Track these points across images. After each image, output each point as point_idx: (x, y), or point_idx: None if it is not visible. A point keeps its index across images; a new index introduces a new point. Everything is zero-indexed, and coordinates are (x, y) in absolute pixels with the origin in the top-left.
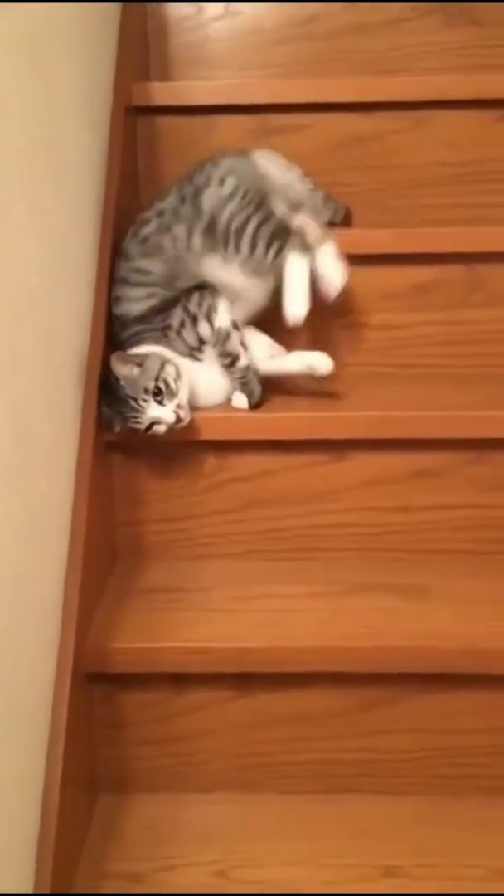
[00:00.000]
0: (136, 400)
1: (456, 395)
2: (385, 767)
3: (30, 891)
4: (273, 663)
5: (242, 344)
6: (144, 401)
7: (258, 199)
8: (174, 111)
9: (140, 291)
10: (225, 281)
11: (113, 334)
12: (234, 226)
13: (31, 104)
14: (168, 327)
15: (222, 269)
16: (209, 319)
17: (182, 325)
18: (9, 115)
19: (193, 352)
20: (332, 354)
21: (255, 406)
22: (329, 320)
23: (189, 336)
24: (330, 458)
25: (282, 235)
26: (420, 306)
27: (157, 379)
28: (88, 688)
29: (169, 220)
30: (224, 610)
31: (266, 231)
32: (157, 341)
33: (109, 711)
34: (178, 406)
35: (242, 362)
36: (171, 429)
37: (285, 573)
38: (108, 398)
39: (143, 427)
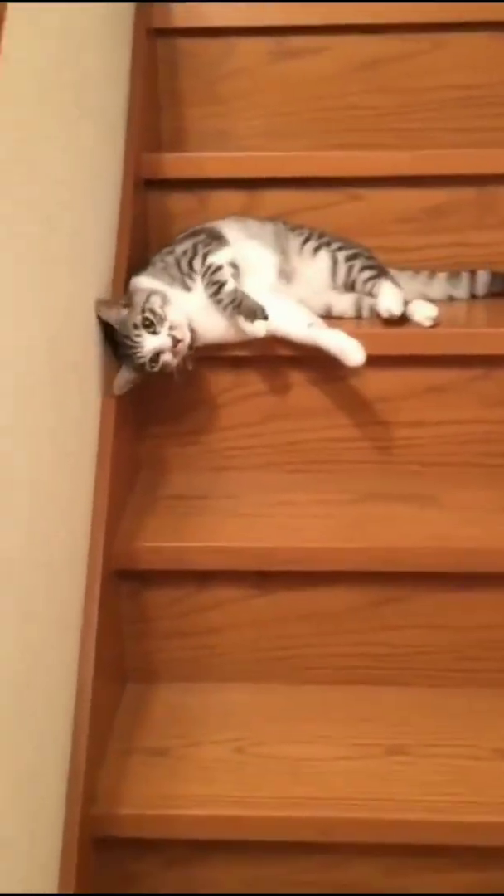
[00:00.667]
0: (130, 338)
1: (466, 313)
2: (396, 660)
3: (66, 762)
4: (292, 562)
5: (234, 277)
6: (138, 336)
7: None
8: (193, 33)
9: None
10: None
11: None
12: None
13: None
14: (171, 251)
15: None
16: (205, 256)
17: (184, 252)
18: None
19: (185, 278)
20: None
21: (265, 317)
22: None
23: (183, 263)
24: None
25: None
26: (434, 229)
27: (143, 311)
28: (117, 585)
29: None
30: (245, 514)
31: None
32: (155, 272)
33: (136, 607)
34: (171, 327)
35: (229, 286)
36: (178, 354)
37: (303, 484)
38: (115, 351)
39: (148, 361)
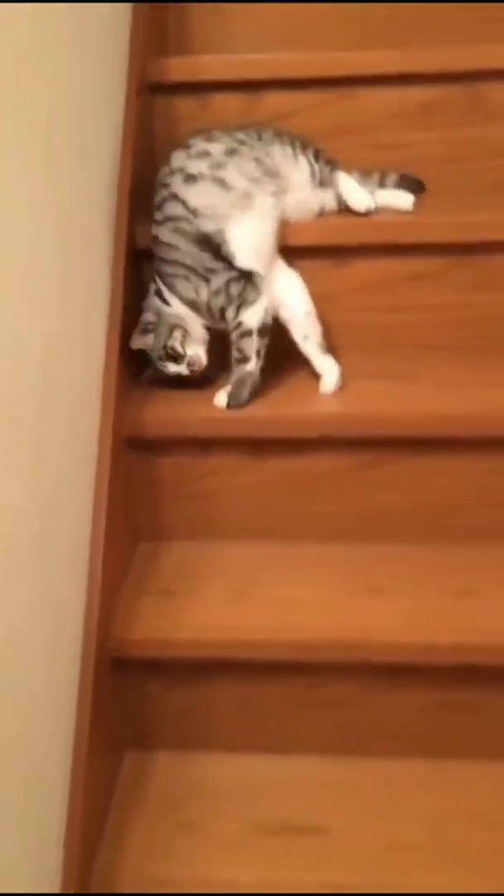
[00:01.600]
0: (155, 361)
1: (451, 205)
2: (378, 519)
3: (84, 596)
4: (282, 429)
5: (258, 354)
6: (162, 364)
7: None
8: None
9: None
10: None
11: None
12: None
13: None
14: (207, 280)
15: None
16: (238, 309)
17: (216, 293)
18: None
19: (214, 321)
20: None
21: (231, 408)
22: (343, 139)
23: (215, 307)
24: (333, 263)
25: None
26: (425, 125)
27: (164, 347)
28: (129, 453)
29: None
30: None
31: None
32: (183, 281)
33: (146, 474)
34: (189, 363)
35: (248, 368)
36: (195, 373)
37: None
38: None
39: (171, 377)
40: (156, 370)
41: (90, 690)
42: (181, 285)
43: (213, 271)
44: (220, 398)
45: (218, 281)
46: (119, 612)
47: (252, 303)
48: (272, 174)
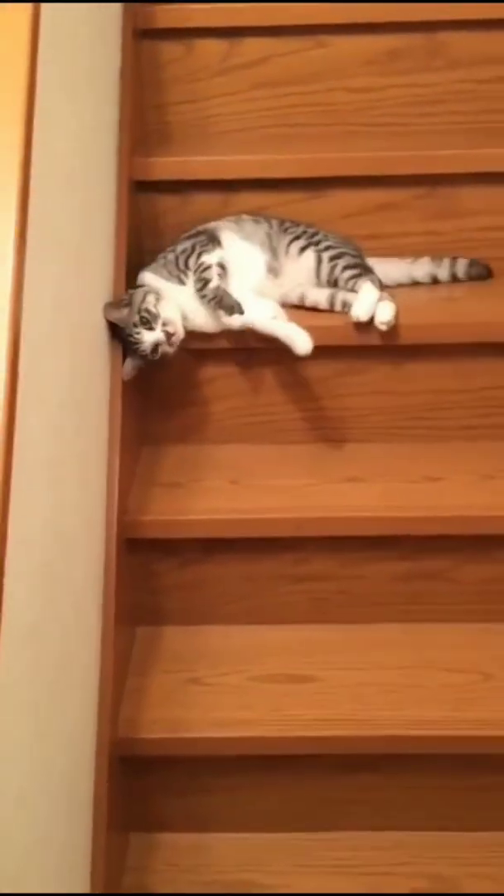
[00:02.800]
0: (131, 335)
1: (415, 143)
2: (355, 421)
3: (104, 486)
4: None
5: (220, 276)
6: (137, 332)
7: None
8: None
9: None
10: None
11: None
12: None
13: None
14: (173, 249)
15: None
16: (199, 255)
17: (183, 251)
18: None
19: (180, 274)
20: (327, 117)
21: (241, 312)
22: (316, 83)
23: (181, 260)
24: (311, 195)
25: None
26: (392, 70)
27: (139, 311)
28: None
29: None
30: None
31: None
32: (150, 267)
33: (152, 383)
34: (164, 324)
35: (212, 284)
36: (174, 344)
37: None
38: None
39: (149, 353)
40: (132, 351)
41: (114, 571)
42: (160, 269)
43: (181, 242)
44: (230, 319)
45: (185, 244)
46: (133, 500)
47: (210, 251)
48: (273, 252)
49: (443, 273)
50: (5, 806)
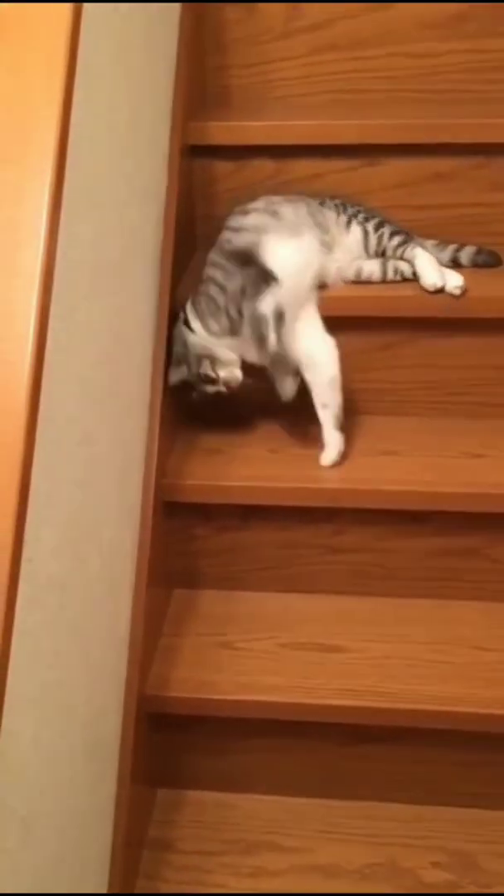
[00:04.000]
0: (196, 385)
1: (475, 111)
2: (394, 394)
3: (143, 450)
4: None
5: (277, 331)
6: (201, 387)
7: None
8: None
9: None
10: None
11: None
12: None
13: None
14: (223, 289)
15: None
16: (252, 302)
17: (233, 297)
18: None
19: (233, 325)
20: (387, 83)
21: (291, 399)
22: (377, 48)
23: (232, 309)
24: (365, 162)
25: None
26: (456, 34)
27: (199, 377)
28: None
29: None
30: None
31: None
32: (199, 307)
33: None
34: (225, 382)
35: (271, 345)
36: (233, 389)
37: None
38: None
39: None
40: (198, 392)
41: (149, 531)
42: (209, 320)
43: (232, 276)
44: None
45: (235, 282)
46: (172, 464)
47: (265, 291)
48: (323, 227)
49: (444, 257)
50: (19, 745)
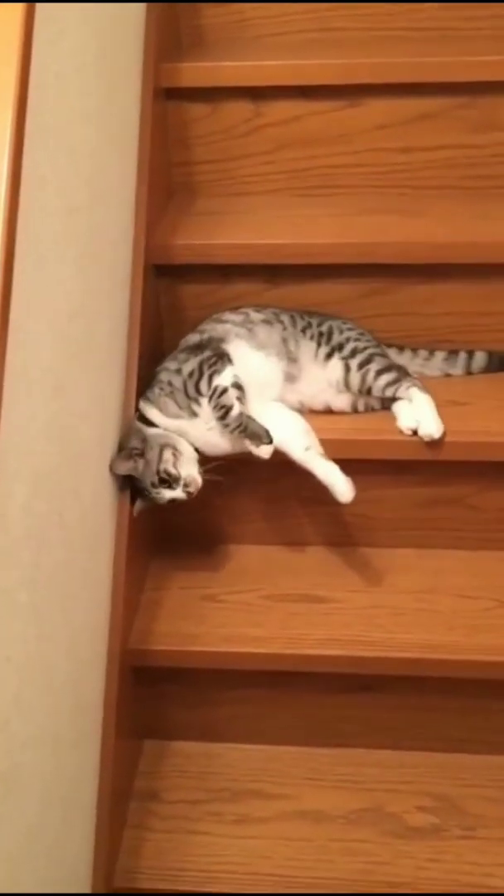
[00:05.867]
0: (148, 490)
1: (458, 49)
2: (381, 342)
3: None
4: (296, 256)
5: (239, 399)
6: (157, 491)
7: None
8: None
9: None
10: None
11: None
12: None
13: None
14: (178, 371)
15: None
16: (210, 378)
17: (191, 374)
18: None
19: (191, 403)
20: (366, 21)
21: (270, 441)
22: None
23: (190, 387)
24: (346, 103)
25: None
26: None
27: (157, 472)
28: (155, 282)
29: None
30: (258, 222)
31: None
32: (153, 396)
33: (172, 299)
34: (185, 484)
35: (234, 412)
36: (192, 495)
37: (309, 204)
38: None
39: (164, 503)
40: (147, 499)
41: (128, 492)
42: (165, 400)
43: (186, 361)
44: (260, 451)
45: (191, 364)
46: None
47: (222, 370)
48: (291, 358)
49: (457, 370)
50: (1, 704)
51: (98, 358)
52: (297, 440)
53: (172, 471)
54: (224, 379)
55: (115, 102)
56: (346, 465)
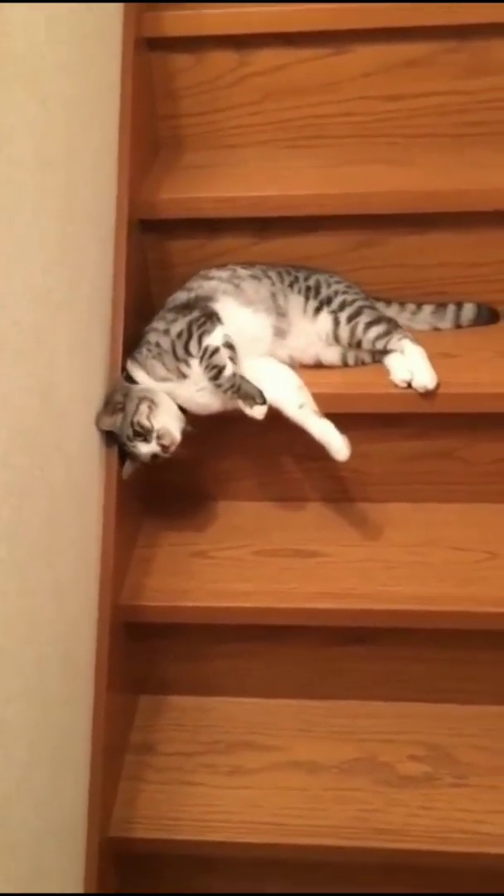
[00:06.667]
0: (126, 445)
1: None
2: (372, 294)
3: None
4: (283, 208)
5: (231, 359)
6: (133, 445)
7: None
8: None
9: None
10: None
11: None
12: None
13: None
14: (167, 331)
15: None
16: (200, 338)
17: (179, 335)
18: None
19: (180, 365)
20: None
21: (263, 401)
22: None
23: (179, 348)
24: (332, 51)
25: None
26: None
27: (132, 423)
28: (142, 238)
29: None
30: (246, 175)
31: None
32: (141, 357)
33: (159, 256)
34: (159, 437)
35: (228, 371)
36: (171, 450)
37: (297, 155)
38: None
39: (147, 461)
40: (130, 456)
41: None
42: (153, 363)
43: (174, 321)
44: (252, 411)
45: (180, 325)
46: None
47: (212, 330)
48: (280, 313)
49: (445, 323)
50: None
51: (81, 314)
52: (290, 397)
53: (146, 423)
54: (214, 339)
55: (94, 53)
56: (338, 420)
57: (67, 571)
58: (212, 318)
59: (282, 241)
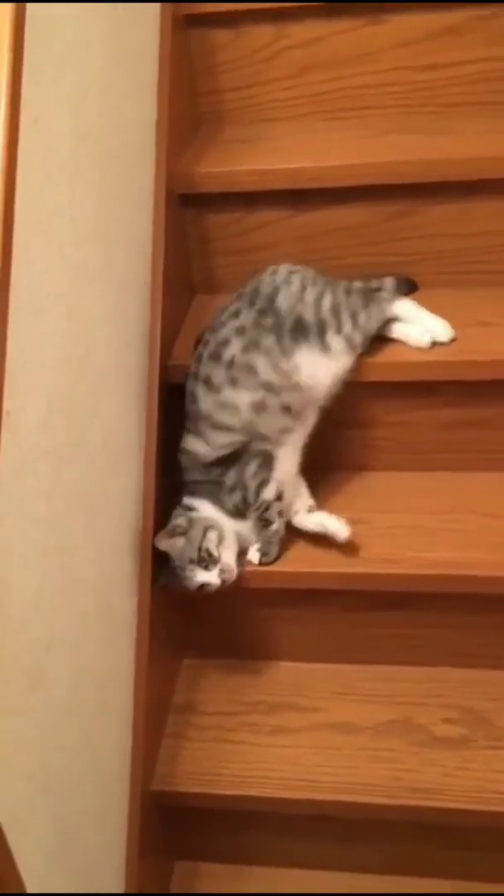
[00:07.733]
0: (182, 569)
1: None
2: (411, 265)
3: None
4: (319, 179)
5: (280, 513)
6: (192, 569)
7: (326, 279)
8: None
9: (221, 438)
10: (319, 375)
11: (179, 467)
12: (326, 307)
13: None
14: (223, 483)
15: (319, 360)
16: (258, 492)
17: (233, 488)
18: None
19: (246, 510)
20: None
21: (264, 564)
22: None
23: (237, 498)
24: (368, 21)
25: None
26: None
27: (199, 549)
28: (181, 212)
29: (254, 334)
30: (283, 148)
31: (358, 299)
32: (209, 495)
33: (198, 230)
34: (222, 570)
35: (274, 528)
36: (224, 584)
37: (335, 127)
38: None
39: (192, 589)
40: (178, 578)
41: (155, 413)
42: (224, 496)
43: (225, 473)
44: (253, 555)
45: (249, 467)
46: (179, 348)
47: (269, 480)
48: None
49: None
50: (22, 598)
51: (115, 285)
52: (304, 520)
53: (214, 552)
54: (269, 491)
55: (132, 29)
56: (369, 389)
57: (107, 533)
58: (270, 462)
59: (319, 212)
